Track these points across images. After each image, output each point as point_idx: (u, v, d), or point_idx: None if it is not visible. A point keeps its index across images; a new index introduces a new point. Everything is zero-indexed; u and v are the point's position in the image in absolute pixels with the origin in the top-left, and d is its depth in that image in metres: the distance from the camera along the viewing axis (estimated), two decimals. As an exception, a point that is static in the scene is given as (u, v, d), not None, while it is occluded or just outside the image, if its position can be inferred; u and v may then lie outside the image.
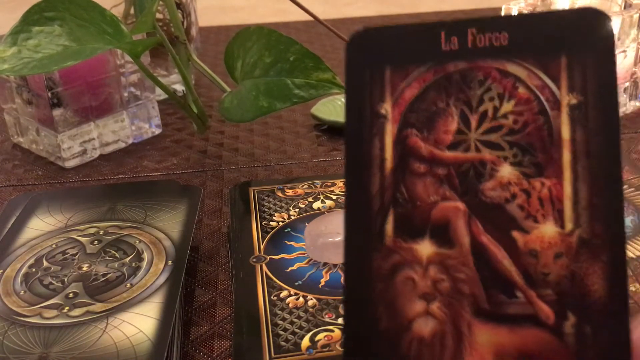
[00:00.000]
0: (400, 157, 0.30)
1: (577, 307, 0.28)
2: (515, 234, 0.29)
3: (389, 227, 0.29)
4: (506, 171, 0.29)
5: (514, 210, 0.29)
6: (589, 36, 0.29)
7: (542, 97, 0.29)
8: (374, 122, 0.30)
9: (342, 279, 0.31)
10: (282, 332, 0.37)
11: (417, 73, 0.30)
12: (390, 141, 0.30)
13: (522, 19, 0.30)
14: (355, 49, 0.30)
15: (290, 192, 0.51)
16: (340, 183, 0.52)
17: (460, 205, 0.29)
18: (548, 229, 0.29)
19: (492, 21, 0.29)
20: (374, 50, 0.30)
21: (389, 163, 0.30)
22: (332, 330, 0.37)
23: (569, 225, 0.28)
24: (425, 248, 0.29)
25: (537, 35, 0.29)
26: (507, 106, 0.29)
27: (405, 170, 0.30)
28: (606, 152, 0.28)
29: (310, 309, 0.39)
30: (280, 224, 0.47)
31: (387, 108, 0.30)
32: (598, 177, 0.28)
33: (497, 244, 0.29)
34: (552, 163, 0.29)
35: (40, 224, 0.48)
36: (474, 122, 0.30)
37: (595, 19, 0.29)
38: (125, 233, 0.46)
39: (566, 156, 0.29)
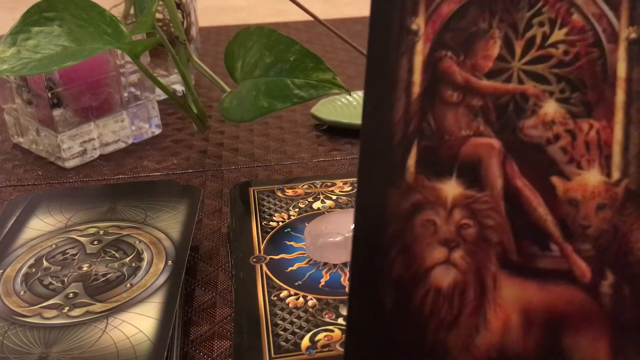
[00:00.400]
0: (431, 81, 0.26)
1: (617, 265, 0.25)
2: (555, 179, 0.25)
3: (412, 161, 0.26)
4: (551, 108, 0.26)
5: (556, 153, 0.25)
6: None
7: (598, 28, 0.25)
8: (402, 38, 0.26)
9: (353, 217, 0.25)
10: (282, 332, 0.37)
11: None
12: (420, 62, 0.26)
13: None
14: None
15: (290, 192, 0.51)
16: (340, 183, 0.52)
17: (495, 142, 0.26)
18: (592, 177, 0.25)
19: None
20: None
21: (416, 87, 0.26)
22: (332, 330, 0.37)
23: (616, 174, 0.25)
24: (451, 188, 0.26)
25: None
26: (559, 34, 0.26)
27: (435, 98, 0.26)
28: None
29: (310, 309, 0.39)
30: (280, 224, 0.47)
31: (419, 23, 0.26)
32: None
33: (534, 189, 0.25)
34: (603, 103, 0.25)
35: (40, 224, 0.48)
36: (519, 48, 0.26)
37: None
38: (125, 233, 0.46)
39: (620, 96, 0.25)
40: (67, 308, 0.39)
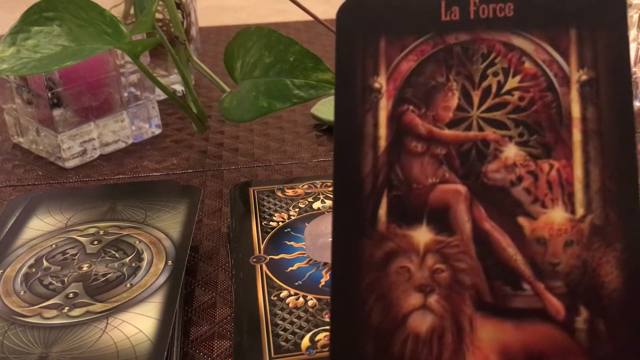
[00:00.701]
0: (396, 135, 0.27)
1: (589, 300, 0.25)
2: (522, 220, 0.26)
3: (382, 211, 0.27)
4: (511, 152, 0.27)
5: (520, 194, 0.26)
6: (599, 8, 0.26)
7: (550, 73, 0.27)
8: (366, 97, 0.27)
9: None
10: (282, 332, 0.37)
11: (414, 44, 0.28)
12: (385, 118, 0.27)
13: None
14: (347, 18, 0.27)
15: (290, 192, 0.51)
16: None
17: (461, 188, 0.27)
18: (557, 215, 0.26)
19: None
20: (368, 20, 0.28)
21: (383, 141, 0.27)
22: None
23: (580, 211, 0.26)
24: (422, 235, 0.27)
25: (544, 7, 0.27)
26: (513, 82, 0.27)
27: (400, 150, 0.27)
28: (620, 132, 0.26)
29: (310, 309, 0.39)
30: (280, 224, 0.47)
31: (381, 82, 0.28)
32: (611, 158, 0.26)
33: (502, 230, 0.26)
34: (561, 143, 0.26)
35: (40, 224, 0.48)
36: (476, 98, 0.27)
37: None
38: (125, 233, 0.46)
39: (576, 136, 0.26)
40: (67, 308, 0.39)
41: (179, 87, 0.74)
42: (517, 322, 0.26)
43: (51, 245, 0.45)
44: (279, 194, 0.51)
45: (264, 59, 0.53)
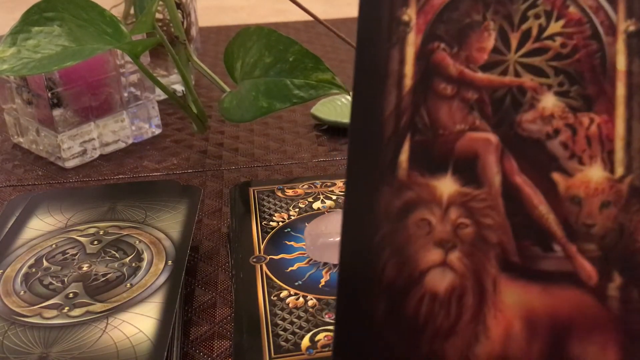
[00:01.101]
0: (423, 74, 0.25)
1: (624, 266, 0.24)
2: (556, 176, 0.24)
3: (404, 157, 0.25)
4: (550, 102, 0.25)
5: (556, 149, 0.24)
6: None
7: (596, 20, 0.25)
8: (393, 29, 0.25)
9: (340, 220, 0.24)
10: (282, 332, 0.37)
11: None
12: (412, 54, 0.25)
13: None
14: None
15: (290, 192, 0.51)
16: (340, 183, 0.52)
17: (493, 137, 0.25)
18: (595, 173, 0.24)
19: None
20: None
21: (408, 80, 0.25)
22: (332, 331, 0.37)
23: (619, 170, 0.24)
24: (446, 185, 0.25)
25: None
26: (555, 26, 0.25)
27: (428, 91, 0.25)
28: None
29: (310, 309, 0.39)
30: (280, 224, 0.47)
31: (410, 14, 0.25)
32: None
33: (534, 186, 0.24)
34: (603, 97, 0.24)
35: (40, 224, 0.48)
36: (514, 41, 0.25)
37: None
38: (125, 233, 0.46)
39: (620, 90, 0.24)
40: (67, 308, 0.39)
41: (179, 87, 0.74)
42: (545, 285, 0.24)
43: (51, 245, 0.45)
44: (279, 194, 0.51)
45: (264, 59, 0.53)
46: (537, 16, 0.25)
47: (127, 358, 0.35)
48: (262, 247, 0.45)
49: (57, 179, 0.59)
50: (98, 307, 0.39)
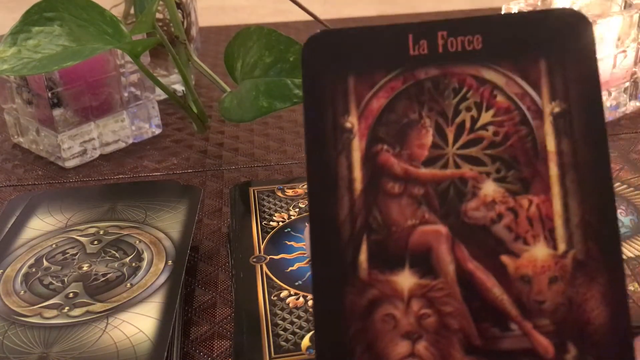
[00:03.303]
0: (371, 176, 0.27)
1: (577, 337, 0.25)
2: (505, 258, 0.26)
3: (363, 257, 0.26)
4: (490, 188, 0.26)
5: (502, 232, 0.26)
6: (569, 38, 0.26)
7: (523, 106, 0.26)
8: (338, 137, 0.27)
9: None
10: (282, 332, 0.37)
11: (384, 81, 0.27)
12: (359, 159, 0.27)
13: (496, 21, 0.27)
14: (313, 55, 0.27)
15: (290, 192, 0.51)
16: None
17: (442, 228, 0.26)
18: (540, 251, 0.26)
19: (463, 23, 0.26)
20: (335, 56, 0.27)
21: (358, 183, 0.26)
22: (332, 330, 0.37)
23: (562, 246, 0.26)
24: (405, 279, 0.26)
25: (513, 38, 0.26)
26: (486, 116, 0.27)
27: (377, 191, 0.27)
28: (595, 163, 0.26)
29: (310, 309, 0.39)
30: (280, 224, 0.47)
31: (352, 121, 0.27)
32: (589, 191, 0.26)
33: (486, 270, 0.26)
34: (538, 178, 0.26)
35: (40, 224, 0.48)
36: (450, 134, 0.27)
37: (575, 20, 0.26)
38: (125, 233, 0.46)
39: (553, 170, 0.26)
40: (67, 308, 0.39)
41: (179, 87, 0.74)
42: None
43: (51, 245, 0.45)
44: (279, 194, 0.51)
45: (264, 59, 0.53)
46: (468, 109, 0.27)
47: (127, 358, 0.35)
48: (262, 247, 0.45)
49: (57, 178, 0.59)
50: (98, 307, 0.39)
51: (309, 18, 0.60)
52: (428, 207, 0.27)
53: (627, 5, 0.64)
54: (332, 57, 0.27)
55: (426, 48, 0.27)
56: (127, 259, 0.43)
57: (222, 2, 1.25)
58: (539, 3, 0.66)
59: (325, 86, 0.27)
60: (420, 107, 0.27)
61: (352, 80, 0.27)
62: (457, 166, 0.27)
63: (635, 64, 0.65)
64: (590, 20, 0.26)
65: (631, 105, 0.67)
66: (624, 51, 0.62)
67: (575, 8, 0.67)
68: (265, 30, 0.54)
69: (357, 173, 0.27)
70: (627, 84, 0.65)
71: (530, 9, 0.64)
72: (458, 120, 0.27)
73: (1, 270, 0.43)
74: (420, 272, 0.26)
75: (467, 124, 0.27)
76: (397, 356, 0.26)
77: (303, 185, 0.52)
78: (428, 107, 0.27)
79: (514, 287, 0.26)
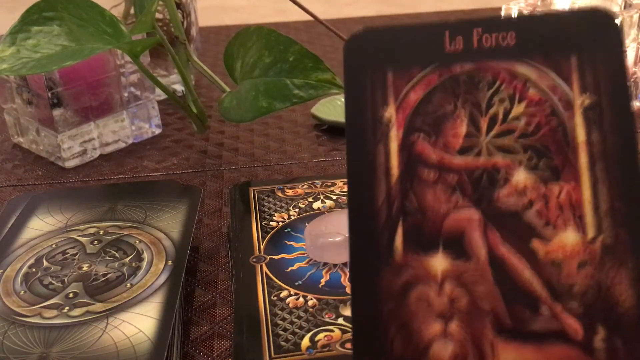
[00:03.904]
0: (408, 164, 0.28)
1: (606, 319, 0.26)
2: (536, 243, 0.27)
3: (399, 240, 0.27)
4: (521, 176, 0.27)
5: (533, 218, 0.27)
6: (598, 36, 0.27)
7: (554, 98, 0.28)
8: (377, 127, 0.28)
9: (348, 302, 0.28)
10: (282, 332, 0.37)
11: (421, 75, 0.28)
12: (396, 147, 0.28)
13: (529, 19, 0.29)
14: (354, 51, 0.28)
15: (290, 192, 0.51)
16: (340, 183, 0.52)
17: (475, 214, 0.27)
18: (569, 237, 0.27)
19: (498, 20, 0.28)
20: (374, 52, 0.28)
21: (395, 171, 0.28)
22: (332, 331, 0.37)
23: (591, 232, 0.27)
24: (439, 262, 0.27)
25: (545, 35, 0.28)
26: (519, 108, 0.28)
27: (413, 178, 0.28)
28: (623, 153, 0.27)
29: (310, 309, 0.39)
30: (280, 224, 0.47)
31: (391, 112, 0.28)
32: (617, 179, 0.27)
33: (517, 254, 0.27)
34: (569, 166, 0.27)
35: (40, 224, 0.48)
36: (484, 125, 0.28)
37: (603, 18, 0.27)
38: (125, 233, 0.46)
39: (583, 158, 0.27)
40: (67, 308, 0.39)
41: (179, 87, 0.74)
42: (538, 345, 0.27)
43: (51, 245, 0.45)
44: (279, 194, 0.51)
45: (263, 59, 0.53)
46: (501, 101, 0.28)
47: (127, 358, 0.35)
48: (262, 247, 0.45)
49: (57, 178, 0.59)
50: (98, 307, 0.39)
51: (309, 18, 0.60)
52: (462, 193, 0.28)
53: (627, 5, 0.64)
54: (372, 53, 0.28)
55: (462, 44, 0.28)
56: (127, 259, 0.43)
57: (222, 2, 1.25)
58: (539, 3, 0.66)
59: (365, 80, 0.28)
60: (456, 99, 0.28)
61: (391, 74, 0.28)
62: (490, 155, 0.28)
63: (635, 64, 0.65)
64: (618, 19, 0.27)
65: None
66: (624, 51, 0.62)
67: (575, 8, 0.67)
68: (265, 30, 0.54)
69: (394, 161, 0.28)
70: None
71: (530, 9, 0.64)
72: (492, 111, 0.28)
73: (1, 271, 0.43)
74: (454, 255, 0.27)
75: (500, 115, 0.28)
76: (431, 335, 0.27)
77: (303, 185, 0.52)
78: (463, 99, 0.28)
79: (544, 270, 0.27)
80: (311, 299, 0.40)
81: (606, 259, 0.26)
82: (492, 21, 0.28)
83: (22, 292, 0.41)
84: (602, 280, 0.26)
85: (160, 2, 0.58)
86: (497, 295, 0.27)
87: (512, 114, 0.28)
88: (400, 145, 0.28)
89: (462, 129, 0.28)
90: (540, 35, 0.28)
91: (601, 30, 0.27)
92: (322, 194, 0.51)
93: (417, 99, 0.28)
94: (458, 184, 0.28)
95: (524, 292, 0.27)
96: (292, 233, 0.46)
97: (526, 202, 0.27)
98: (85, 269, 0.42)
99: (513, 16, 0.28)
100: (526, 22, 0.28)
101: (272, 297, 0.40)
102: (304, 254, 0.44)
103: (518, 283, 0.27)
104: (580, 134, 0.27)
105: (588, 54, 0.27)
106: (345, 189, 0.51)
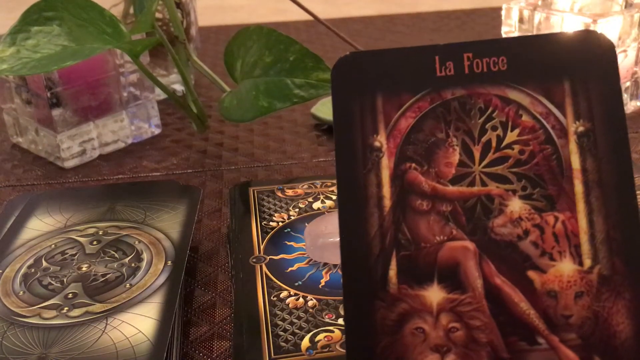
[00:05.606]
0: (400, 194, 0.27)
1: (603, 351, 0.26)
2: (531, 273, 0.27)
3: (392, 272, 0.27)
4: (516, 205, 0.27)
5: (528, 248, 0.27)
6: (592, 60, 0.27)
7: (547, 125, 0.27)
8: (367, 156, 0.28)
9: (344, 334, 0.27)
10: (282, 333, 0.37)
11: (412, 101, 0.28)
12: (388, 177, 0.28)
13: (520, 43, 0.28)
14: (343, 76, 0.28)
15: (290, 192, 0.51)
16: (340, 183, 0.52)
17: (469, 244, 0.27)
18: (566, 267, 0.27)
19: (488, 45, 0.27)
20: (364, 77, 0.28)
21: (387, 201, 0.27)
22: (332, 331, 0.37)
23: (587, 262, 0.26)
24: (434, 294, 0.27)
25: (537, 60, 0.27)
26: (512, 135, 0.27)
27: (406, 209, 0.27)
28: (619, 181, 0.26)
29: (310, 310, 0.39)
30: (280, 224, 0.47)
31: (381, 140, 0.28)
32: (613, 208, 0.26)
33: (513, 285, 0.27)
34: (564, 195, 0.27)
35: (39, 224, 0.48)
36: (477, 153, 0.28)
37: (597, 41, 0.27)
38: (124, 233, 0.46)
39: (578, 187, 0.27)
40: (66, 308, 0.39)
41: (178, 87, 0.74)
42: None
43: (50, 246, 0.45)
44: (279, 194, 0.51)
45: (264, 59, 0.53)
46: (494, 128, 0.28)
47: (126, 358, 0.35)
48: (262, 247, 0.45)
49: (56, 179, 0.59)
50: (97, 307, 0.39)
51: (309, 18, 0.60)
52: (456, 223, 0.27)
53: (628, 5, 0.63)
54: (361, 78, 0.28)
55: (452, 69, 0.27)
56: (127, 260, 0.43)
57: (221, 2, 1.25)
58: (539, 3, 0.66)
59: (355, 106, 0.28)
60: (447, 127, 0.28)
61: (381, 100, 0.28)
62: (484, 184, 0.27)
63: (636, 63, 0.65)
64: (615, 45, 0.26)
65: (632, 105, 0.67)
66: (625, 51, 0.62)
67: (577, 8, 0.67)
68: (265, 29, 0.54)
69: (386, 190, 0.27)
70: (628, 83, 0.65)
71: (530, 9, 0.64)
72: (484, 139, 0.28)
73: (0, 271, 0.43)
74: (449, 286, 0.27)
75: (493, 143, 0.28)
76: None
77: (303, 186, 0.52)
78: (455, 126, 0.28)
79: (541, 301, 0.26)
80: (311, 299, 0.40)
81: (603, 289, 0.26)
82: (483, 46, 0.27)
83: (21, 292, 0.41)
84: (599, 311, 0.26)
85: (160, 2, 0.58)
86: (493, 328, 0.26)
87: (505, 142, 0.28)
88: (392, 175, 0.28)
89: (455, 157, 0.28)
90: (532, 60, 0.27)
91: (595, 54, 0.27)
92: (322, 194, 0.51)
93: (408, 125, 0.28)
94: (451, 213, 0.27)
95: (521, 323, 0.26)
96: (292, 233, 0.46)
97: (521, 232, 0.27)
98: (84, 269, 0.42)
99: (504, 40, 0.28)
100: (517, 47, 0.27)
101: (271, 298, 0.40)
102: (304, 254, 0.44)
103: (515, 314, 0.26)
104: (575, 162, 0.27)
105: (581, 79, 0.27)
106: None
